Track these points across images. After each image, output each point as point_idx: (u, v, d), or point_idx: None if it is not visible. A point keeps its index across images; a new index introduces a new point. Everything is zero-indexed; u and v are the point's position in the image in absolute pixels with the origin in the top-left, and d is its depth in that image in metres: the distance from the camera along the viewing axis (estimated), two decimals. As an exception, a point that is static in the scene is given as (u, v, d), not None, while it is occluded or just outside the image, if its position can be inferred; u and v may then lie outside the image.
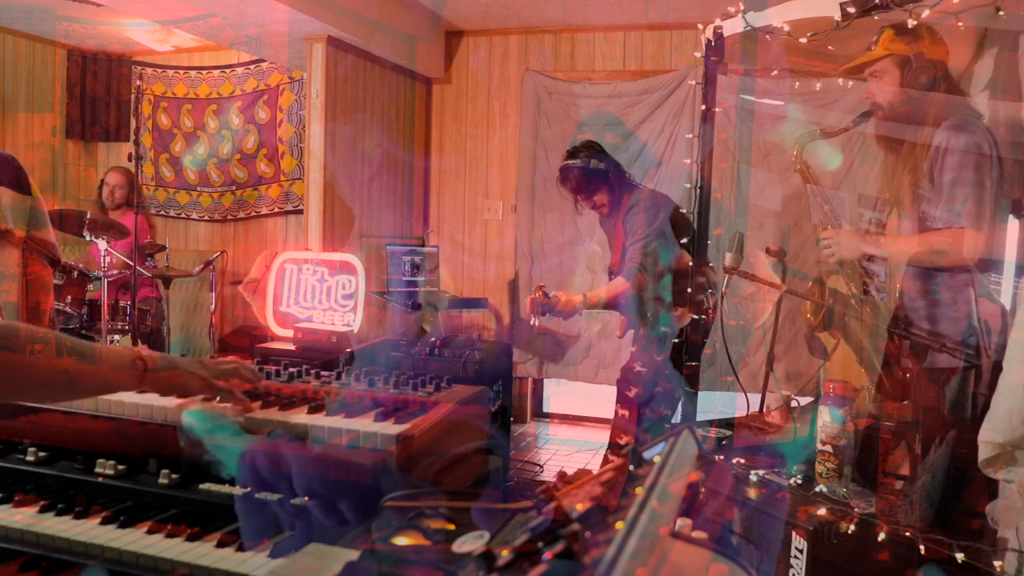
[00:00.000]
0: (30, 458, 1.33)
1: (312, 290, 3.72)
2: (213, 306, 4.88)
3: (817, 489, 2.02)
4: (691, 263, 2.57)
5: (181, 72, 5.68)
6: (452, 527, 0.69)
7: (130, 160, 3.71)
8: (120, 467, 1.29)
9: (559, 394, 5.73)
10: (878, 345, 2.32)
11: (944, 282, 2.14)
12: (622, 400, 3.09)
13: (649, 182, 4.81)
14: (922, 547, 1.75)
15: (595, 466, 3.10)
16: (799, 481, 2.11)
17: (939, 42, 2.14)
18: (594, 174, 3.09)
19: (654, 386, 2.94)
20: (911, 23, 2.04)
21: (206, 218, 5.68)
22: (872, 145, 4.26)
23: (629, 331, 3.16)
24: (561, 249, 5.04)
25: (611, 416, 3.18)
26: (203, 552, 1.08)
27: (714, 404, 3.11)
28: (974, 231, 2.02)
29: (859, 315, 2.36)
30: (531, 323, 2.92)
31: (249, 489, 1.17)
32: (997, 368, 1.82)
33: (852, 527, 1.85)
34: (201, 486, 1.24)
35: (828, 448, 2.03)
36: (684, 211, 3.03)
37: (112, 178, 5.18)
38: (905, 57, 2.13)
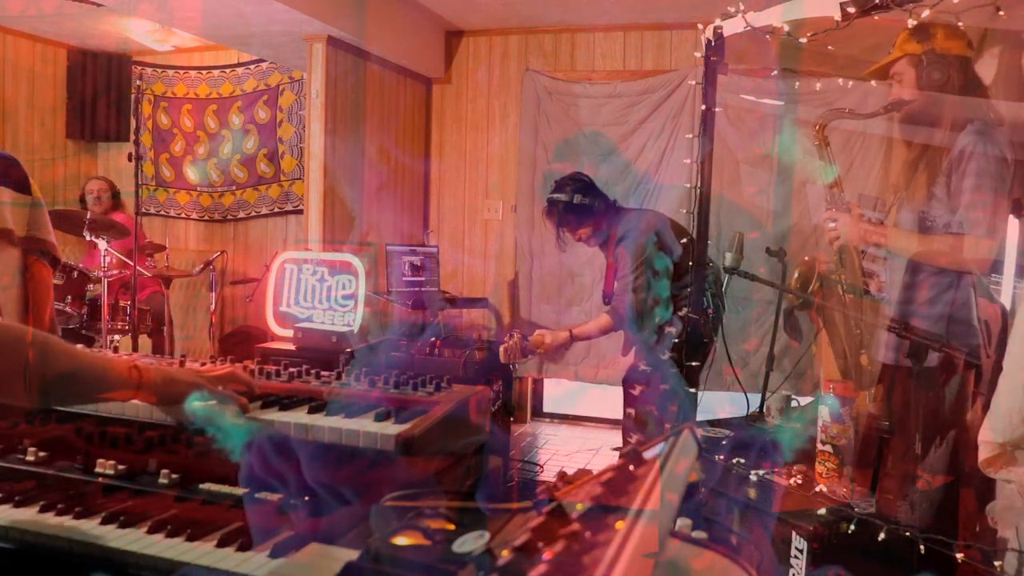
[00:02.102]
0: (30, 458, 1.33)
1: (312, 290, 3.72)
2: (213, 306, 4.88)
3: (817, 489, 2.02)
4: (691, 263, 2.56)
5: (181, 72, 5.68)
6: (452, 527, 0.69)
7: (130, 160, 3.70)
8: (120, 467, 1.29)
9: (559, 394, 5.73)
10: (854, 335, 2.31)
11: (945, 282, 2.14)
12: (628, 400, 3.09)
13: (648, 183, 4.82)
14: (922, 547, 1.75)
15: (595, 466, 3.10)
16: (799, 481, 2.11)
17: (953, 37, 2.11)
18: (578, 210, 3.08)
19: (658, 385, 2.94)
20: (911, 23, 2.03)
21: (206, 218, 5.68)
22: (872, 146, 4.27)
23: (632, 345, 3.15)
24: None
25: (611, 416, 3.18)
26: (203, 552, 1.08)
27: (714, 404, 3.11)
28: (989, 240, 2.02)
29: (842, 301, 2.34)
30: (511, 366, 2.80)
31: (249, 489, 1.17)
32: (997, 368, 1.82)
33: (852, 527, 1.85)
34: (201, 486, 1.24)
35: (828, 448, 2.03)
36: (679, 221, 3.01)
37: (95, 185, 5.22)
38: (918, 56, 2.13)
